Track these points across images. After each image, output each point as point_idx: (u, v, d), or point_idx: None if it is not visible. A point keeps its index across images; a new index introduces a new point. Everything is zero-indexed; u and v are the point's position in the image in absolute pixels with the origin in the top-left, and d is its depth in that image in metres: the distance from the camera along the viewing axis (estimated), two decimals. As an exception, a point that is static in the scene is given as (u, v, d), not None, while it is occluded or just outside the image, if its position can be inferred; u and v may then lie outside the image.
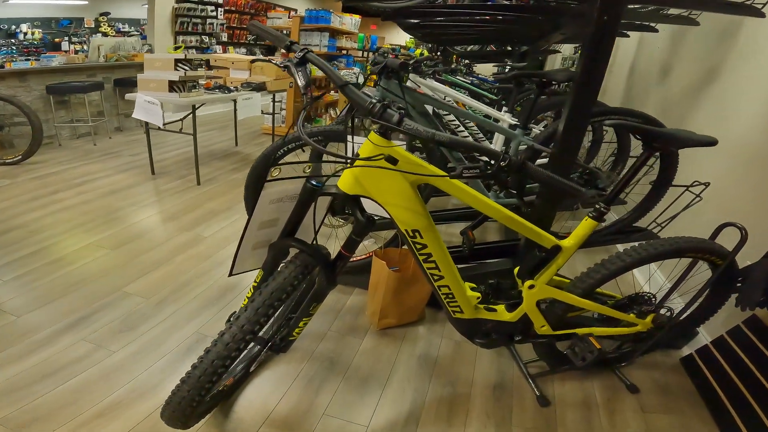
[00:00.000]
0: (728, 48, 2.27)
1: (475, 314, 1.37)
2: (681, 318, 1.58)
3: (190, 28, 6.34)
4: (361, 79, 5.82)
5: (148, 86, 3.28)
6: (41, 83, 4.48)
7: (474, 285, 1.38)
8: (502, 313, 1.41)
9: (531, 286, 1.32)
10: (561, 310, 1.41)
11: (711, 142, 1.17)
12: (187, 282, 2.16)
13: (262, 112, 4.65)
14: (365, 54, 6.75)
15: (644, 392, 1.67)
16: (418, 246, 1.17)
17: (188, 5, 6.20)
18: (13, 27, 8.35)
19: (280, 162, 1.10)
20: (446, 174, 0.98)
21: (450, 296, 1.29)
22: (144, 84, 3.29)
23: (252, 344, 1.44)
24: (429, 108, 2.17)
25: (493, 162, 0.89)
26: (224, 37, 7.25)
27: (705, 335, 1.82)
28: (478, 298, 1.33)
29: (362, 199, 1.11)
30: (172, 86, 3.21)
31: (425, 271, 1.22)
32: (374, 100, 0.93)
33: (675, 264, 1.77)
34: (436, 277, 1.24)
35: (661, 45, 3.51)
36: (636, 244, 1.36)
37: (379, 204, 1.09)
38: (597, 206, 1.24)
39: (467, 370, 1.75)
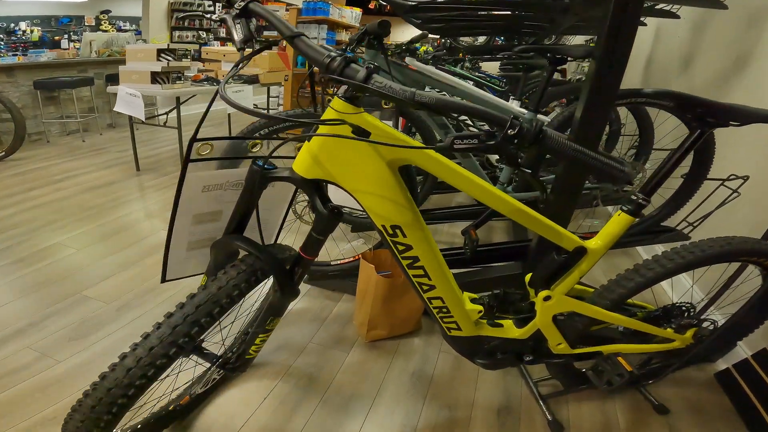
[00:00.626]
0: (759, 33, 2.03)
1: (477, 331, 1.12)
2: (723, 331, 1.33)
3: (186, 24, 6.16)
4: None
5: (130, 78, 3.08)
6: (29, 79, 4.31)
7: (475, 296, 1.14)
8: (509, 329, 1.16)
9: (547, 298, 1.06)
10: (582, 324, 1.16)
11: None
12: (154, 286, 1.94)
13: (255, 106, 4.43)
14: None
15: (674, 413, 1.43)
16: (400, 247, 0.92)
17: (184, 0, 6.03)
18: (12, 25, 8.25)
19: (212, 138, 0.85)
20: (431, 146, 0.75)
21: (444, 311, 1.05)
22: (126, 76, 3.10)
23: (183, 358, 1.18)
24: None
25: (497, 132, 0.64)
26: (222, 33, 7.06)
27: (744, 348, 1.57)
28: (480, 312, 1.09)
29: (334, 188, 0.87)
30: (156, 78, 3.00)
31: (411, 279, 0.97)
32: (333, 54, 0.70)
33: (705, 270, 1.51)
34: (425, 288, 0.99)
35: (681, 34, 3.28)
36: (665, 247, 1.10)
37: (346, 191, 0.86)
38: (634, 197, 0.99)
39: (468, 389, 1.50)
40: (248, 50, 0.81)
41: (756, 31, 2.07)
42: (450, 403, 1.45)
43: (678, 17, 2.38)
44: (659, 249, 2.43)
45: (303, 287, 2.00)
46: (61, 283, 1.92)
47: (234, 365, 1.13)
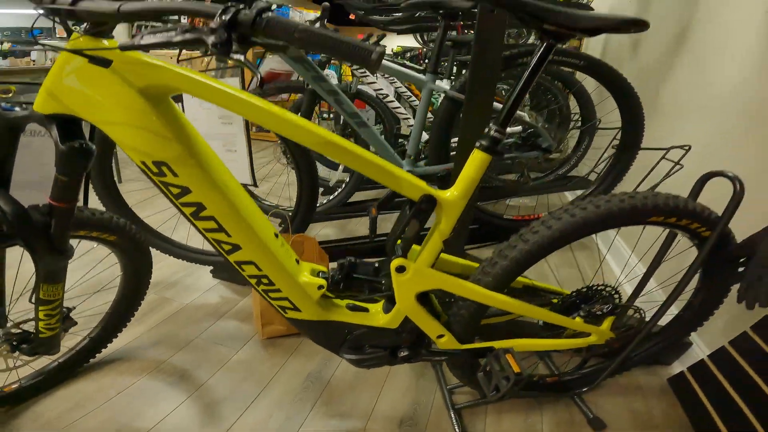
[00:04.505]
0: (696, 3, 1.83)
1: (326, 315, 0.90)
2: (660, 323, 1.07)
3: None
4: (333, 81, 5.26)
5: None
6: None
7: (321, 268, 0.91)
8: (375, 314, 0.93)
9: (400, 268, 0.83)
10: (468, 312, 0.92)
11: (635, 23, 0.68)
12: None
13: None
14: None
15: (615, 427, 1.18)
16: (174, 190, 0.74)
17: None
18: (-20, 37, 8.34)
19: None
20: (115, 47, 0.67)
21: (265, 282, 0.83)
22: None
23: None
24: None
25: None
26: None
27: (701, 347, 1.31)
28: (321, 287, 0.86)
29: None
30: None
31: (204, 236, 0.76)
32: None
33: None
34: (226, 248, 0.79)
35: (630, 7, 3.12)
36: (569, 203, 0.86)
37: (91, 124, 0.74)
38: (487, 131, 0.77)
39: (369, 396, 1.27)
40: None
41: (690, 2, 1.88)
42: (344, 411, 1.22)
43: None
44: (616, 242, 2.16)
45: (208, 282, 1.79)
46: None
47: (33, 345, 0.96)
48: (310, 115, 1.87)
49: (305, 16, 5.12)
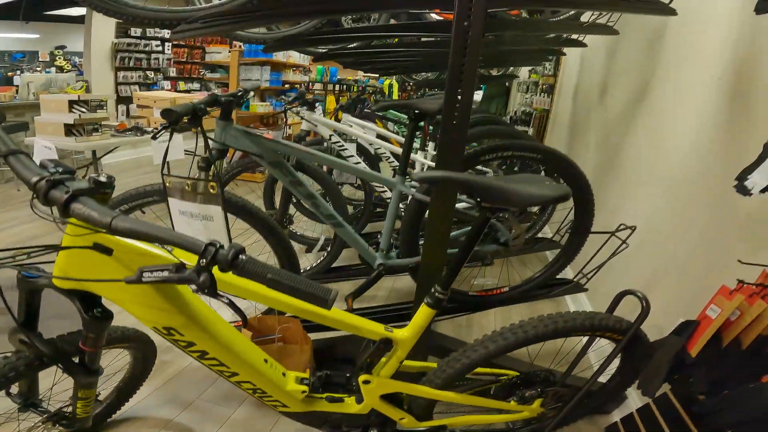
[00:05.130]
0: (654, 60, 2.10)
1: (309, 407, 1.11)
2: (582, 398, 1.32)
3: (132, 64, 6.12)
4: (319, 112, 5.47)
5: (46, 130, 3.01)
6: (-41, 125, 4.21)
7: (304, 375, 1.12)
8: (349, 404, 1.15)
9: (366, 381, 1.06)
10: (424, 401, 1.15)
11: (562, 197, 0.92)
12: None
13: (186, 152, 4.33)
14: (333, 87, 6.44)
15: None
16: (182, 343, 0.92)
17: (128, 40, 5.99)
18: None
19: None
20: (122, 279, 0.74)
21: (260, 392, 1.05)
22: (42, 128, 3.03)
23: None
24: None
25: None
26: (172, 72, 7.03)
27: (635, 400, 1.56)
28: (305, 392, 1.07)
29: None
30: (70, 130, 2.94)
31: (207, 367, 0.96)
32: (45, 174, 0.69)
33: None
34: (227, 374, 1.00)
35: (598, 62, 3.34)
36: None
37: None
38: (433, 291, 1.01)
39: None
40: None
41: (651, 58, 2.15)
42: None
43: (585, 45, 2.46)
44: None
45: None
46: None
47: (73, 423, 1.14)
48: (287, 205, 2.02)
49: (289, 53, 5.25)
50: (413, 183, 1.77)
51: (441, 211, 1.25)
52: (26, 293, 0.88)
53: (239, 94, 1.51)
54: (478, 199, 0.91)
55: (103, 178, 0.74)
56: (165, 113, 1.22)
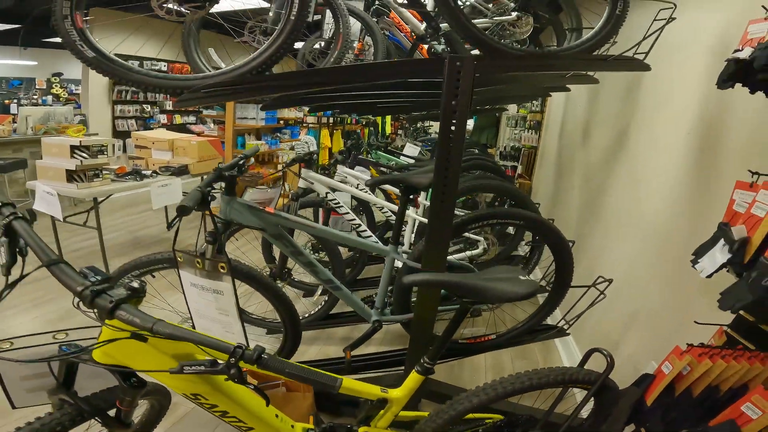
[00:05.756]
0: (632, 108, 2.25)
1: (322, 454, 1.24)
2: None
3: (129, 97, 6.27)
4: (312, 147, 5.56)
5: (47, 174, 3.11)
6: (-43, 162, 4.27)
7: (310, 426, 1.24)
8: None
9: None
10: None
11: (532, 294, 1.07)
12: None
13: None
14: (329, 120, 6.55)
15: None
16: (206, 405, 1.06)
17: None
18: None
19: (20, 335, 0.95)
20: (165, 370, 0.87)
21: None
22: (43, 172, 3.13)
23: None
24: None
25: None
26: (168, 106, 7.18)
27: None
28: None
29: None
30: (72, 176, 3.05)
31: (227, 423, 1.10)
32: (88, 283, 0.81)
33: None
34: (244, 429, 1.13)
35: (581, 104, 3.50)
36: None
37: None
38: (422, 361, 1.18)
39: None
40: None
41: (629, 104, 2.30)
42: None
43: (568, 90, 2.64)
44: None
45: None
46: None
47: None
48: (286, 259, 2.16)
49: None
50: (404, 249, 1.90)
51: (427, 305, 1.55)
52: (68, 363, 0.98)
53: (240, 162, 1.64)
54: (461, 296, 1.10)
55: (136, 284, 0.87)
56: (180, 210, 1.29)
